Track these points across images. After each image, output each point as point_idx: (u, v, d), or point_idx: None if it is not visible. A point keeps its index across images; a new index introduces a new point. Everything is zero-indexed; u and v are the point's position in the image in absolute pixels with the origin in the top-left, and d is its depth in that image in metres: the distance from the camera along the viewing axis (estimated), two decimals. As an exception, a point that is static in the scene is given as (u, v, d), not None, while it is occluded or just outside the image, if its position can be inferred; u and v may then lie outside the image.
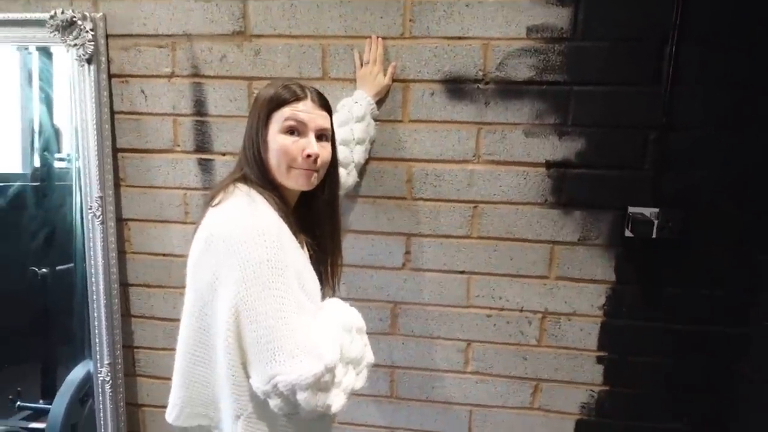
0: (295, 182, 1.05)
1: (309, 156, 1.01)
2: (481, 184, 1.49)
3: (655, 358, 1.51)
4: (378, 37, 1.43)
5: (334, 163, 1.13)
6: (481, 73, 1.43)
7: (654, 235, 1.40)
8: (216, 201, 1.01)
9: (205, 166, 1.59)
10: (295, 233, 1.04)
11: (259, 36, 1.49)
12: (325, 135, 1.06)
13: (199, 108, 1.56)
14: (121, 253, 1.68)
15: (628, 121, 1.41)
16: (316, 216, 1.15)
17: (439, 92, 1.46)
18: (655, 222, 1.40)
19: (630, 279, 1.48)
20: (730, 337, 1.47)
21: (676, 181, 1.42)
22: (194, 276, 0.99)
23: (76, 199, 1.78)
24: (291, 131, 1.02)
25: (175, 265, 1.67)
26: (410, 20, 1.43)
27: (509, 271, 1.53)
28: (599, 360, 1.54)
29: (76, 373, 1.84)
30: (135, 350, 1.75)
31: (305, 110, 1.03)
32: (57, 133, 2.02)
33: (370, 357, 1.06)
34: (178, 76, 1.55)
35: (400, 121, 1.49)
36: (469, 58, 1.43)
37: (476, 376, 1.60)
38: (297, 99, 1.03)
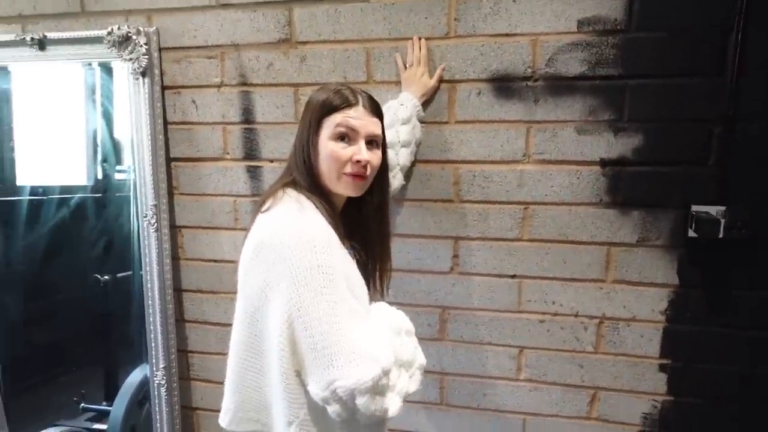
0: (345, 188, 1.04)
1: (359, 162, 1.01)
2: (531, 185, 1.44)
3: (724, 366, 1.41)
4: (420, 38, 1.41)
5: (384, 168, 1.12)
6: (529, 70, 1.39)
7: (721, 235, 1.32)
8: (266, 207, 1.01)
9: (254, 173, 1.61)
10: (342, 238, 1.03)
11: (304, 43, 1.50)
12: (375, 141, 1.05)
13: (247, 116, 1.58)
14: (175, 259, 1.72)
15: (690, 114, 1.33)
16: (365, 220, 1.14)
17: (486, 91, 1.42)
18: (722, 221, 1.32)
19: (695, 282, 1.40)
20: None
21: (744, 177, 1.33)
22: (245, 283, 1.00)
23: (133, 208, 1.85)
24: (342, 137, 1.01)
25: (225, 271, 1.70)
26: (455, 19, 1.40)
27: (563, 274, 1.47)
28: (662, 368, 1.46)
29: (135, 377, 1.90)
30: (189, 354, 1.79)
31: (356, 116, 1.01)
32: (117, 145, 2.12)
33: (421, 359, 1.04)
34: (226, 85, 1.58)
35: (447, 123, 1.46)
36: (517, 55, 1.39)
37: (530, 383, 1.54)
38: (348, 105, 1.02)
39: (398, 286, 1.56)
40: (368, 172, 1.03)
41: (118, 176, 2.15)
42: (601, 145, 1.39)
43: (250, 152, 1.60)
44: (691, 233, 1.35)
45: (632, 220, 1.40)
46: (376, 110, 1.06)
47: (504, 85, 1.41)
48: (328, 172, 1.03)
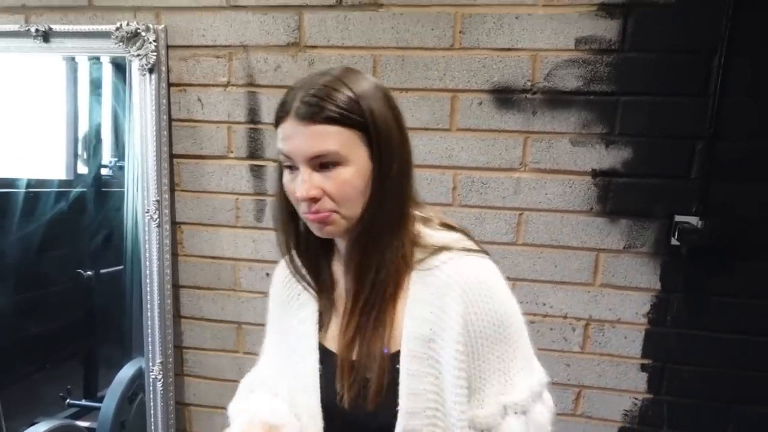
0: (313, 230, 0.76)
1: (298, 199, 0.72)
2: (527, 192, 1.52)
3: (700, 367, 1.52)
4: None
5: (377, 189, 0.73)
6: (529, 84, 1.47)
7: (700, 244, 1.42)
8: None
9: (257, 172, 1.64)
10: (311, 275, 0.86)
11: (313, 47, 1.55)
12: (330, 160, 0.70)
13: (253, 116, 1.61)
14: (174, 255, 1.73)
15: (676, 131, 1.43)
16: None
17: (487, 102, 1.50)
18: (702, 231, 1.42)
19: (676, 287, 1.49)
20: (778, 348, 1.47)
21: (723, 191, 1.43)
22: None
23: (128, 203, 1.85)
24: (288, 166, 0.74)
25: (224, 268, 1.72)
26: (460, 32, 1.47)
27: (553, 278, 1.55)
28: (643, 368, 1.55)
29: (126, 372, 1.89)
30: (183, 350, 1.80)
31: (286, 135, 0.71)
32: (111, 139, 2.10)
33: None
34: (233, 85, 1.61)
35: (448, 130, 1.53)
36: (517, 68, 1.46)
37: (519, 381, 1.61)
38: (280, 118, 0.73)
39: (396, 286, 1.61)
40: (322, 208, 0.71)
41: (114, 171, 2.13)
42: (594, 157, 1.47)
43: (255, 151, 1.64)
44: (674, 241, 1.45)
45: (620, 228, 1.49)
46: (317, 111, 0.68)
47: (504, 96, 1.49)
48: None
